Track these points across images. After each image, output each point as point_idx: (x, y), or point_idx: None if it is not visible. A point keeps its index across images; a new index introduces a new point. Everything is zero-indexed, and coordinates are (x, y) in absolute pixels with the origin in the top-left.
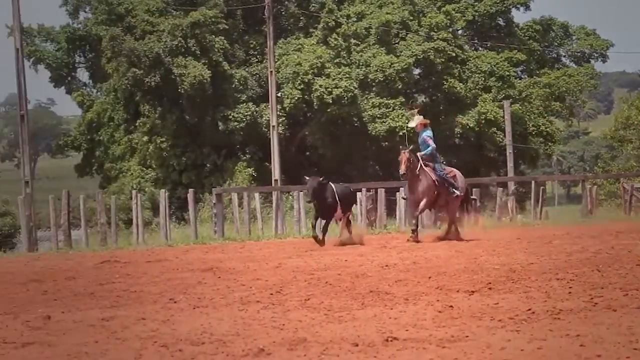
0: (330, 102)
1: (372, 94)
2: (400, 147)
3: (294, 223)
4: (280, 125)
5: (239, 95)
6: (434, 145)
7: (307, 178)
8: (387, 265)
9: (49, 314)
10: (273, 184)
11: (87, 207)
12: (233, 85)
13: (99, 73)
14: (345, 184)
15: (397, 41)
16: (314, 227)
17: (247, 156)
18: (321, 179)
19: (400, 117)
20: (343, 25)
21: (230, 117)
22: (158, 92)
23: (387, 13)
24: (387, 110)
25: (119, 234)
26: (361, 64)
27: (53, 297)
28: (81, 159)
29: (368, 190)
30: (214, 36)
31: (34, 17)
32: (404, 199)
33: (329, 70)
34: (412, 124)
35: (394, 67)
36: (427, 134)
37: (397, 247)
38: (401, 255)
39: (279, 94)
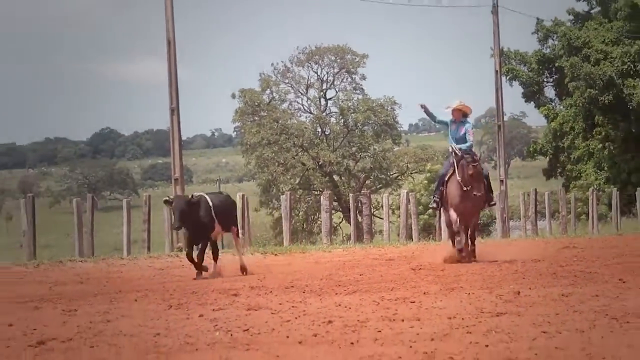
0: None
1: None
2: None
3: None
4: None
5: None
6: (473, 141)
7: (169, 198)
8: None
9: (518, 289)
10: None
11: (552, 200)
12: None
13: (562, 91)
14: (223, 193)
15: None
16: (190, 258)
17: None
18: (190, 197)
19: None
20: None
21: None
22: (610, 108)
23: None
24: None
25: (577, 225)
26: None
27: (522, 276)
28: (547, 162)
29: None
30: None
31: (511, 42)
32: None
33: None
34: (452, 106)
35: None
36: (470, 127)
37: None
38: None
39: None
